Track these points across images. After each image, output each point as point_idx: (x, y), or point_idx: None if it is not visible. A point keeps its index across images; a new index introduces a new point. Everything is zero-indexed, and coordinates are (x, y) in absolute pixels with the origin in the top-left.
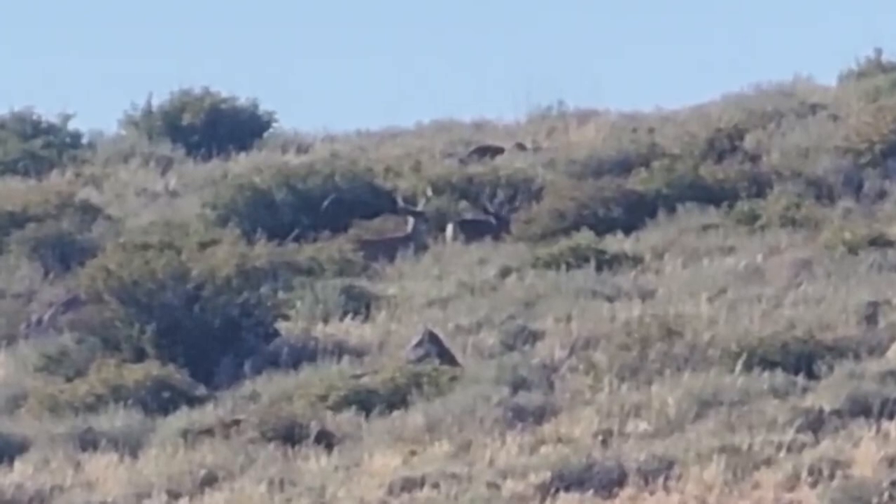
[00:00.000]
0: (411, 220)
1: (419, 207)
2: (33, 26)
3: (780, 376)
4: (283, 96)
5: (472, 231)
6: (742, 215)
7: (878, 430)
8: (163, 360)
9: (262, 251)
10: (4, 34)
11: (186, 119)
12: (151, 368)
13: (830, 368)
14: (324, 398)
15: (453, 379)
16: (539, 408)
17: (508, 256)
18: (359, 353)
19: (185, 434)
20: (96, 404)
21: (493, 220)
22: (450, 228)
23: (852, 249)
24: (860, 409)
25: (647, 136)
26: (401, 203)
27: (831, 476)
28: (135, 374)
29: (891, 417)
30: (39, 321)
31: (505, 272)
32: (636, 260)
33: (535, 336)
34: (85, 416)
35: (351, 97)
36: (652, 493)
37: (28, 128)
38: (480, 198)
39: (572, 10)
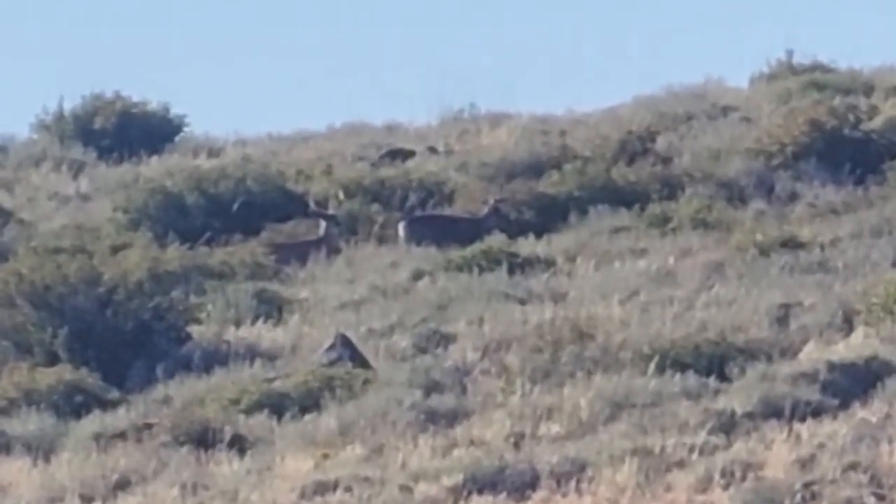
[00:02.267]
0: (323, 223)
1: (331, 211)
2: None
3: (692, 378)
4: (195, 100)
5: (425, 228)
6: (654, 218)
7: (790, 432)
8: (75, 363)
9: (174, 255)
10: None
11: (98, 123)
12: (64, 372)
13: (742, 370)
14: (236, 402)
15: (366, 382)
16: (451, 411)
17: (420, 259)
18: (271, 357)
19: (97, 438)
20: (9, 408)
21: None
22: (401, 226)
23: (764, 251)
24: (772, 411)
25: (559, 139)
26: (312, 206)
27: (743, 478)
28: (47, 377)
29: (803, 419)
30: None
31: (417, 275)
32: (548, 263)
33: (447, 339)
34: None
35: (262, 100)
36: (564, 495)
37: None
38: (392, 200)
39: (484, 12)
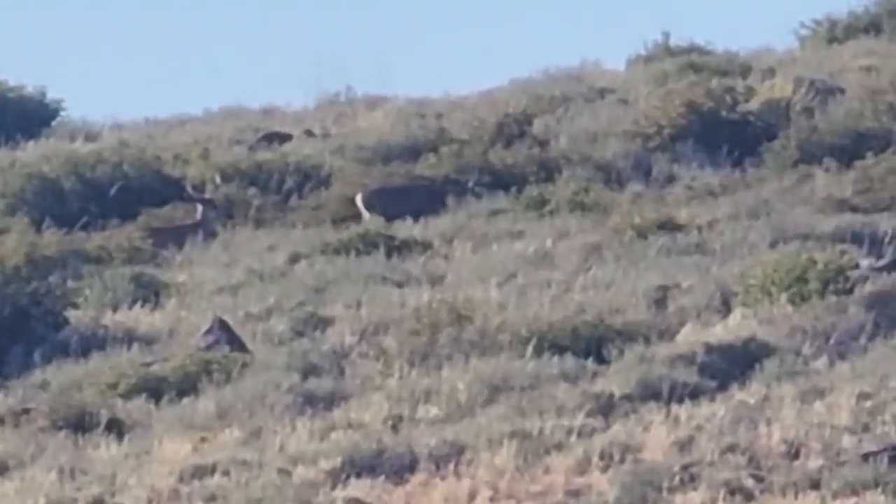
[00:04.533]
0: (200, 207)
1: (208, 195)
2: None
3: (570, 361)
4: (72, 85)
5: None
6: (531, 200)
7: (668, 415)
8: None
9: (51, 240)
10: None
11: None
12: None
13: (620, 353)
14: (114, 386)
15: (244, 366)
16: (329, 394)
17: (298, 243)
18: (148, 341)
19: None
20: None
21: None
22: (358, 198)
23: (641, 234)
24: (650, 393)
25: (436, 122)
26: (189, 190)
27: (622, 460)
28: None
29: (681, 401)
30: None
31: (294, 258)
32: (425, 245)
33: (324, 322)
34: None
35: (139, 85)
36: (443, 478)
37: None
38: (269, 184)
39: None
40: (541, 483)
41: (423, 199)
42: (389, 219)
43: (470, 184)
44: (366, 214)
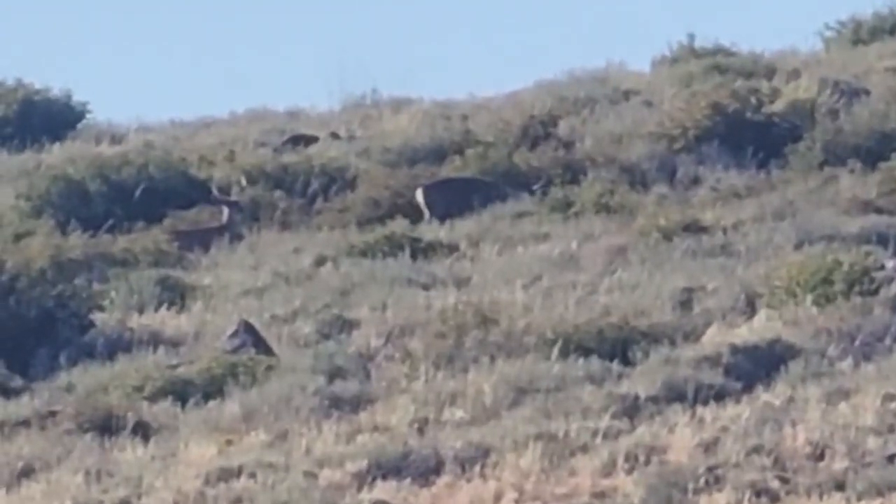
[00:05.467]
0: (226, 210)
1: (233, 197)
2: None
3: (595, 363)
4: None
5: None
6: (556, 202)
7: (693, 416)
8: None
9: (77, 242)
10: None
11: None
12: None
13: (646, 354)
14: (140, 389)
15: (269, 368)
16: (355, 396)
17: (323, 245)
18: (174, 344)
19: (1, 426)
20: None
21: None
22: (419, 193)
23: (666, 235)
24: (675, 395)
25: (461, 124)
26: (215, 193)
27: (647, 462)
28: None
29: (706, 403)
30: None
31: (320, 261)
32: (451, 248)
33: (350, 325)
34: None
35: (165, 87)
36: (469, 480)
37: None
38: (294, 187)
39: None
40: (566, 485)
41: (483, 196)
42: (448, 216)
43: (536, 187)
44: (426, 211)
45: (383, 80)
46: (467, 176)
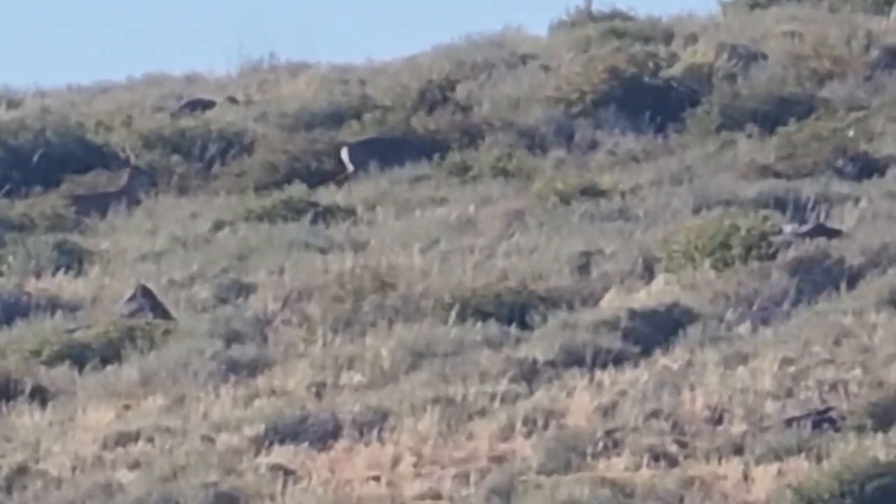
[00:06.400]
0: (129, 172)
1: (131, 162)
2: None
3: (493, 327)
4: None
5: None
6: (454, 166)
7: (591, 380)
8: None
9: None
10: None
11: None
12: None
13: (544, 319)
14: (37, 353)
15: (167, 333)
16: (253, 361)
17: (221, 210)
18: (72, 308)
19: None
20: None
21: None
22: (344, 152)
23: (564, 199)
24: (574, 359)
25: (359, 88)
26: (130, 155)
27: (545, 426)
28: None
29: (604, 367)
30: None
31: (218, 225)
32: (349, 212)
33: (248, 289)
34: None
35: (62, 52)
36: (367, 444)
37: None
38: (192, 151)
39: None
40: (464, 449)
41: (412, 153)
42: (372, 171)
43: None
44: (350, 166)
45: (281, 45)
46: (394, 136)
